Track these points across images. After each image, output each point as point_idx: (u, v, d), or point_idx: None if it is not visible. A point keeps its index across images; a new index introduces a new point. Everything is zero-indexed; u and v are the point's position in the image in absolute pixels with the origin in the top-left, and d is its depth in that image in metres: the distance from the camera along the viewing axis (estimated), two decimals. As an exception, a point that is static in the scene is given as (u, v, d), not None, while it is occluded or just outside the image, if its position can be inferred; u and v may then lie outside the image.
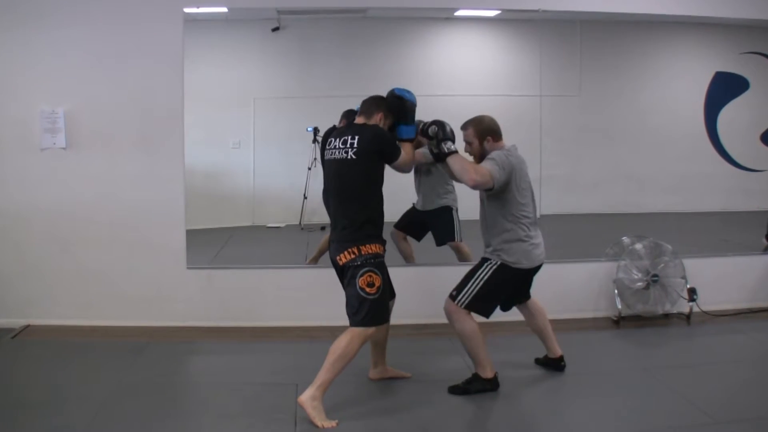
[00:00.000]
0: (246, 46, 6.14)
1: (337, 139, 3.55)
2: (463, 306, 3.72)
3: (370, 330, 3.47)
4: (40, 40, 4.82)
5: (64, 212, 4.90)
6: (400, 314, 4.78)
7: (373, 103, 3.63)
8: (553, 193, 5.56)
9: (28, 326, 4.86)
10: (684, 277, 5.12)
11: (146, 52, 4.87)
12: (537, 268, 3.86)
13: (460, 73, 6.73)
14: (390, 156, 3.52)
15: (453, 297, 3.76)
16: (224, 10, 5.27)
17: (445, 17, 6.28)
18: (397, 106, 3.61)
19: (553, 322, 4.95)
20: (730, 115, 6.70)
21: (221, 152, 6.06)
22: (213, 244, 5.33)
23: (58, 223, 4.90)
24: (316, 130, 5.52)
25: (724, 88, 6.86)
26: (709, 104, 6.90)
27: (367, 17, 5.80)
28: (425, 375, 4.07)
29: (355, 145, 3.45)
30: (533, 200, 3.84)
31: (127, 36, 4.84)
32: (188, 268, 4.94)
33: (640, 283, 5.06)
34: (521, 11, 5.44)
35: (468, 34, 6.71)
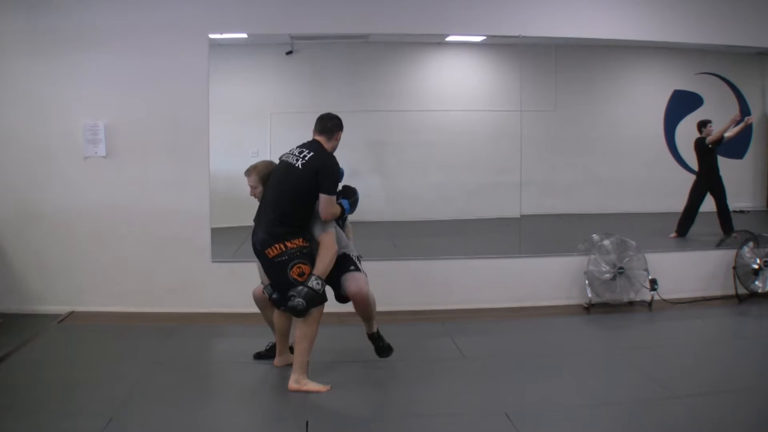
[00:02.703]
0: (263, 67, 6.15)
1: (297, 148, 3.57)
2: (364, 272, 3.60)
3: (316, 311, 3.42)
4: (84, 63, 4.83)
5: (105, 213, 4.90)
6: (397, 302, 4.82)
7: (335, 124, 3.63)
8: (531, 196, 5.57)
9: (72, 312, 4.85)
10: (646, 270, 5.11)
11: (176, 73, 4.87)
12: None
13: (450, 90, 6.74)
14: (324, 187, 3.44)
15: (359, 269, 3.59)
16: (244, 35, 5.26)
17: (437, 42, 6.29)
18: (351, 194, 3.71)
19: (531, 308, 5.03)
20: (686, 127, 6.70)
21: (242, 160, 5.98)
22: (234, 241, 5.32)
23: (99, 222, 4.90)
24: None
25: (681, 104, 6.87)
26: (668, 118, 6.91)
27: (370, 42, 5.81)
28: (419, 354, 4.06)
29: (306, 158, 3.48)
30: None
31: (159, 58, 4.85)
32: (213, 261, 4.94)
33: (607, 275, 5.06)
34: (504, 37, 5.44)
35: (457, 57, 6.73)
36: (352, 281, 3.50)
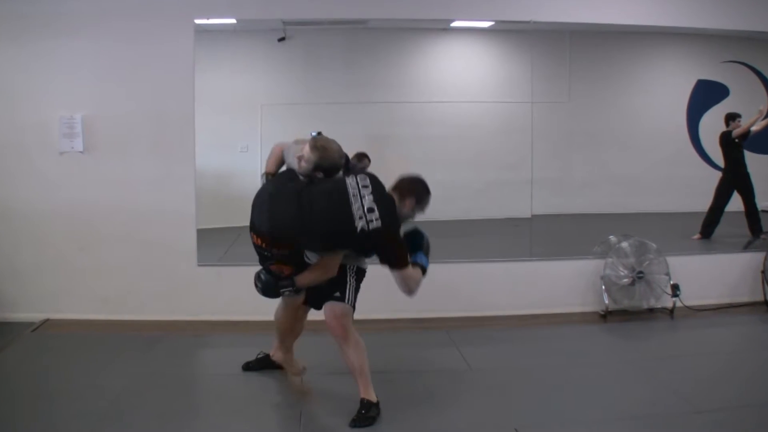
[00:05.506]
0: (253, 55, 6.16)
1: (369, 195, 3.12)
2: (351, 304, 3.38)
3: (286, 301, 3.53)
4: (59, 50, 4.83)
5: (82, 212, 4.90)
6: (399, 309, 4.82)
7: (410, 187, 3.30)
8: (543, 194, 5.57)
9: (47, 320, 4.85)
10: (668, 274, 5.12)
11: (159, 61, 4.87)
12: None
13: (455, 80, 6.76)
14: (395, 262, 3.15)
15: (339, 298, 3.36)
16: (233, 21, 5.27)
17: (441, 28, 6.30)
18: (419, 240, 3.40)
19: (543, 316, 5.03)
20: (711, 120, 6.72)
21: (230, 155, 6.08)
22: (222, 243, 5.34)
23: (75, 223, 4.90)
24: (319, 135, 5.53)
25: (706, 95, 6.89)
26: (691, 110, 6.93)
27: (368, 28, 5.82)
28: (423, 365, 4.08)
29: (371, 225, 3.07)
30: None
31: (141, 46, 4.85)
32: (199, 265, 4.93)
33: (626, 280, 5.07)
34: (513, 22, 5.45)
35: (463, 44, 6.74)
36: (328, 309, 3.35)
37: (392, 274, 3.20)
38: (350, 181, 3.18)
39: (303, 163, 3.25)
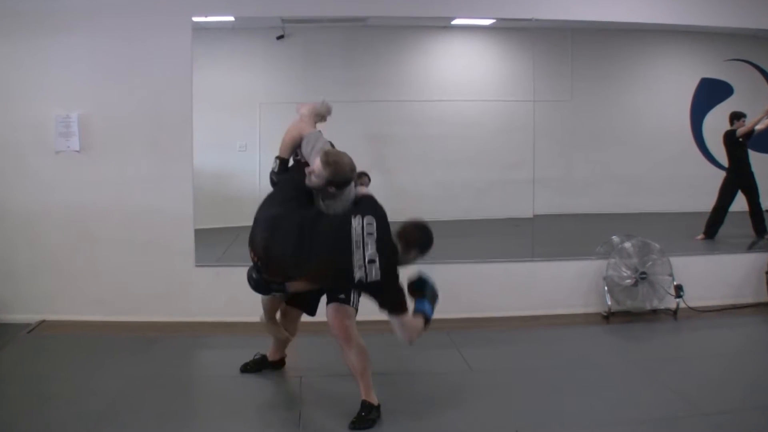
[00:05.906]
0: (252, 54, 6.16)
1: (372, 244, 3.06)
2: (355, 306, 3.38)
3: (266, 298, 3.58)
4: (55, 48, 4.83)
5: (78, 212, 4.90)
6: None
7: (415, 237, 3.27)
8: (545, 193, 5.58)
9: (43, 321, 4.85)
10: (671, 275, 5.12)
11: (156, 60, 4.87)
12: None
13: (456, 78, 6.75)
14: (394, 307, 3.17)
15: (344, 300, 3.35)
16: (231, 19, 5.28)
17: (442, 26, 6.30)
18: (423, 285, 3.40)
19: (545, 317, 5.03)
20: (715, 119, 6.72)
21: (228, 155, 6.08)
22: (220, 243, 5.34)
23: (71, 223, 4.90)
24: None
25: (710, 94, 6.89)
26: (695, 109, 6.93)
27: (368, 26, 5.82)
28: (423, 367, 4.07)
29: (371, 277, 3.04)
30: None
31: (138, 44, 4.85)
32: (197, 265, 4.93)
33: (628, 280, 5.07)
34: (515, 20, 5.45)
35: (464, 42, 6.74)
36: (332, 311, 3.35)
37: (390, 320, 3.19)
38: (356, 224, 3.08)
39: (314, 178, 3.22)
